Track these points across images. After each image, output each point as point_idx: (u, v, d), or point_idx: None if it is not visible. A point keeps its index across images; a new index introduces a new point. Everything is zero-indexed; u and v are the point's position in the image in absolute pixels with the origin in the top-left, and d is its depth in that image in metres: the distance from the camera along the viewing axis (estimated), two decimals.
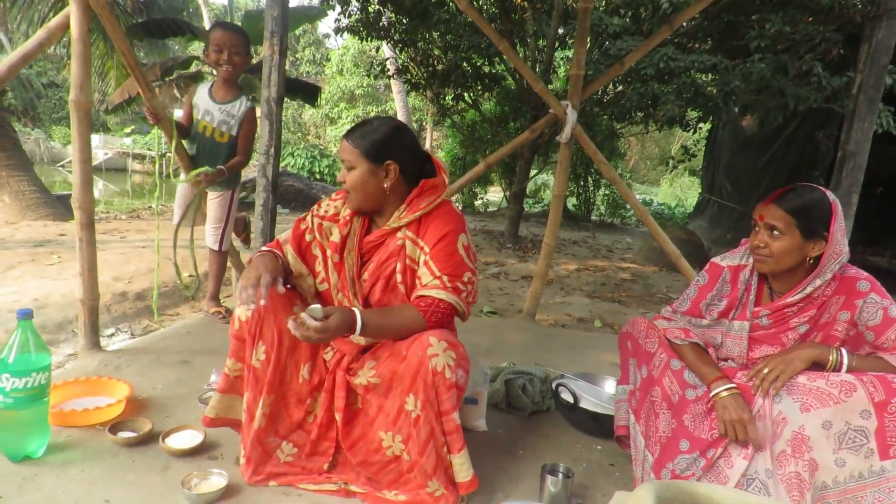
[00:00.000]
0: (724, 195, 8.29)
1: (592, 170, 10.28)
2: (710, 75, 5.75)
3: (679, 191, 17.79)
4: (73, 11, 2.17)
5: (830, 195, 1.61)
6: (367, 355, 1.69)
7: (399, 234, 1.71)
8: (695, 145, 8.85)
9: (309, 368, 1.73)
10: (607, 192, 11.46)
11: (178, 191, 3.04)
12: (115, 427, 1.84)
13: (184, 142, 2.94)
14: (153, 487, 1.61)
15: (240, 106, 2.93)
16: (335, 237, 1.76)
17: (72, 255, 4.62)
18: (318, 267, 1.79)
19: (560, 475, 1.69)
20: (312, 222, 1.81)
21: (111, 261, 4.53)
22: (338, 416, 1.68)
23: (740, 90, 5.03)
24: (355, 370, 1.68)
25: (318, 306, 1.49)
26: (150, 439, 1.82)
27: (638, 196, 15.30)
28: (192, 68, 8.68)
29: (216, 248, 3.11)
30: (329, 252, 1.76)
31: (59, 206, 6.74)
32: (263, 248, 1.78)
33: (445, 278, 1.64)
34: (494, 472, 1.85)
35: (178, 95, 9.33)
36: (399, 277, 1.69)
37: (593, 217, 11.71)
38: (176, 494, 1.57)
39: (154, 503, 1.53)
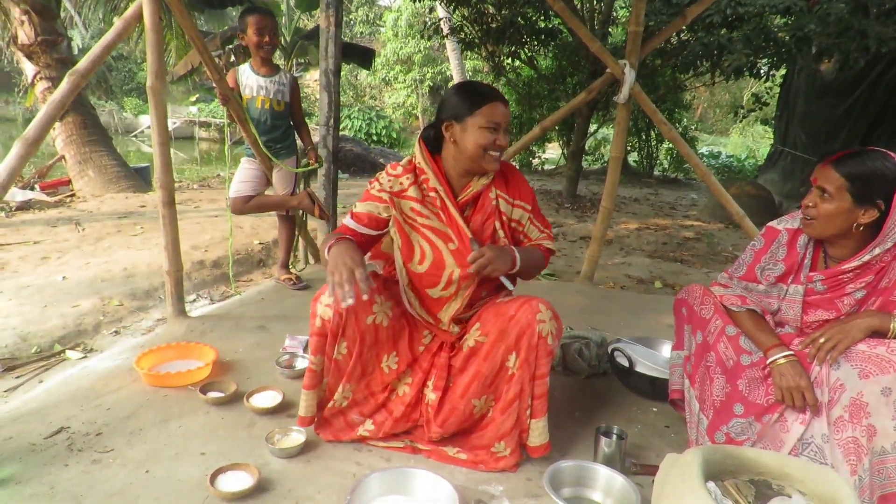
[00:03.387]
0: (799, 146, 7.84)
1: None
2: (782, 18, 5.39)
3: (750, 140, 16.89)
4: (144, 3, 2.31)
5: None
6: (472, 320, 1.79)
7: (491, 195, 1.79)
8: (767, 93, 8.36)
9: (395, 359, 1.78)
10: (671, 146, 11.04)
11: (242, 164, 3.20)
12: (204, 387, 2.05)
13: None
14: (241, 442, 1.80)
15: (284, 76, 3.14)
16: (430, 208, 1.77)
17: (152, 226, 4.96)
18: (419, 244, 1.77)
19: (614, 437, 1.76)
20: (392, 203, 1.76)
21: (188, 230, 4.83)
22: (434, 396, 1.75)
23: (816, 34, 4.71)
24: (460, 336, 1.80)
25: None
26: (235, 399, 2.02)
27: (705, 148, 14.66)
28: None
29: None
30: (432, 220, 1.76)
31: (137, 179, 7.17)
32: (337, 234, 1.73)
33: (548, 232, 1.90)
34: (551, 432, 1.91)
35: (236, 63, 9.61)
36: (501, 234, 1.80)
37: (656, 172, 11.35)
38: (262, 448, 1.75)
39: (243, 456, 1.71)
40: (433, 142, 1.82)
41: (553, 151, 13.09)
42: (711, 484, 1.19)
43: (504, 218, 1.81)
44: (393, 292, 1.83)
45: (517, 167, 10.77)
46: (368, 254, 1.85)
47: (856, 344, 1.56)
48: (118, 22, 2.34)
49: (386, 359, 1.78)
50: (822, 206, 1.60)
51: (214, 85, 2.91)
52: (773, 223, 1.83)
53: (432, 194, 1.77)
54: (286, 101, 3.13)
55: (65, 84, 2.16)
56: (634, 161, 11.50)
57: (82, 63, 2.22)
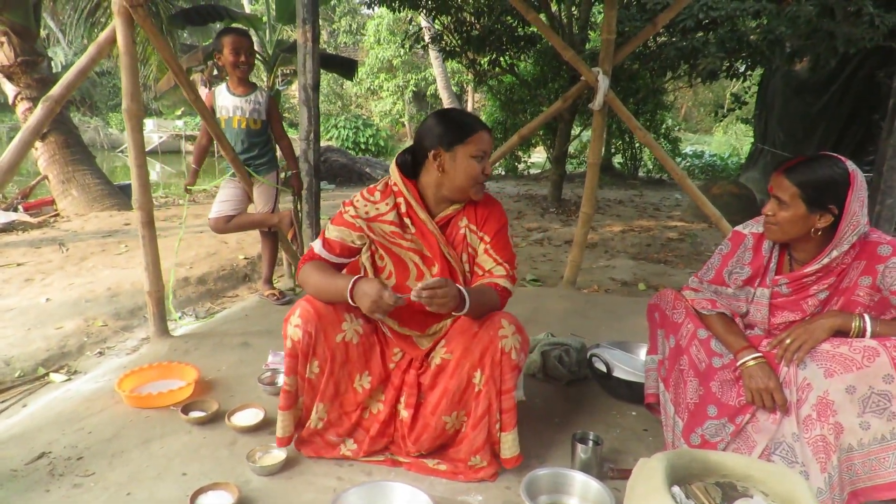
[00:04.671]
0: (778, 144, 7.96)
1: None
2: (754, 21, 5.48)
3: (734, 139, 17.07)
4: (118, 26, 2.33)
5: (850, 166, 1.60)
6: (439, 337, 1.82)
7: (461, 223, 1.79)
8: (745, 92, 8.48)
9: (368, 378, 1.80)
10: None
11: (223, 185, 3.23)
12: (186, 407, 2.06)
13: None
14: (223, 461, 1.81)
15: (260, 94, 3.18)
16: (409, 233, 1.76)
17: (137, 244, 4.92)
18: (411, 261, 1.79)
19: (590, 443, 1.79)
20: (368, 229, 1.76)
21: (173, 247, 4.81)
22: (406, 413, 1.77)
23: (787, 36, 4.80)
24: (426, 357, 1.82)
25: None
26: (217, 418, 2.03)
27: (689, 148, 14.79)
28: None
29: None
30: (413, 243, 1.77)
31: (121, 196, 7.12)
32: (312, 262, 1.76)
33: (507, 266, 1.78)
34: (530, 439, 1.96)
35: (219, 77, 9.60)
36: (467, 267, 1.81)
37: (640, 174, 11.45)
38: (243, 467, 1.77)
39: (225, 475, 1.73)
40: (409, 167, 1.79)
41: (539, 156, 13.17)
42: (676, 488, 1.22)
43: (470, 250, 1.81)
44: None
45: (502, 173, 10.80)
46: (344, 270, 1.86)
47: (820, 344, 1.60)
48: (91, 46, 2.36)
49: (358, 378, 1.79)
50: (780, 213, 1.66)
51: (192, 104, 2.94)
52: (738, 228, 1.88)
53: (407, 220, 1.76)
54: (262, 119, 3.16)
55: (39, 110, 2.18)
56: (619, 163, 11.61)
57: (56, 89, 2.23)
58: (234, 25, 6.22)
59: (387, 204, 1.76)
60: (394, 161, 1.81)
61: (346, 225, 1.76)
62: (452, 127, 1.70)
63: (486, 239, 1.79)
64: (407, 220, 1.76)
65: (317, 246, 1.78)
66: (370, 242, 1.79)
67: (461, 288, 1.58)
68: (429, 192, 1.77)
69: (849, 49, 4.58)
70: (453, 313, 1.63)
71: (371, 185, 1.81)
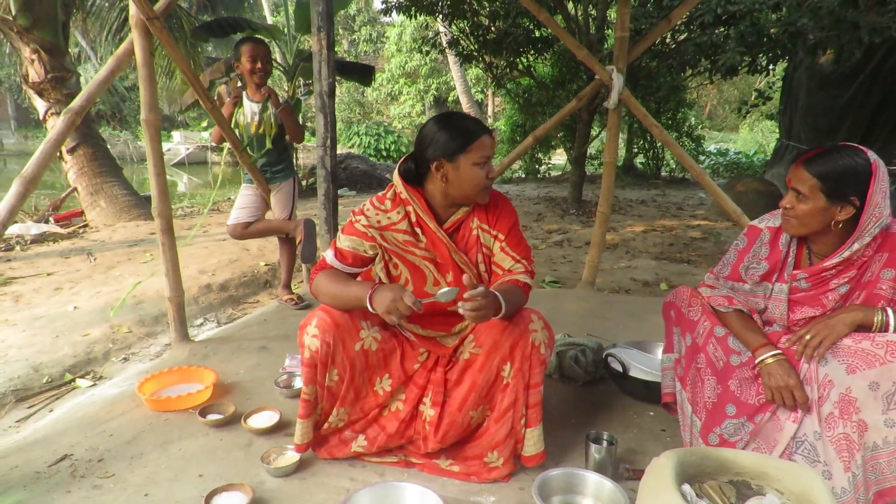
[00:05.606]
0: (803, 139, 7.78)
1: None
2: (774, 14, 5.37)
3: (760, 135, 16.74)
4: (135, 39, 2.39)
5: (872, 156, 1.55)
6: (466, 333, 1.82)
7: (472, 225, 1.79)
8: (769, 87, 8.30)
9: (388, 381, 1.79)
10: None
11: (241, 192, 3.29)
12: (204, 410, 2.09)
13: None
14: (239, 462, 1.84)
15: None
16: (422, 242, 1.76)
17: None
18: (428, 269, 1.79)
19: (604, 443, 1.76)
20: (381, 238, 1.75)
21: (196, 255, 4.91)
22: (433, 412, 1.75)
23: (809, 28, 4.69)
24: (452, 353, 1.82)
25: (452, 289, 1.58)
26: (234, 420, 2.06)
27: (714, 146, 14.56)
28: None
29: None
30: (427, 253, 1.76)
31: (147, 206, 7.27)
32: (324, 271, 1.76)
33: (525, 262, 1.78)
34: (546, 440, 1.92)
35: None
36: (482, 268, 1.80)
37: (663, 173, 11.30)
38: (258, 468, 1.79)
39: (240, 476, 1.75)
40: (413, 174, 1.76)
41: (560, 158, 13.09)
42: (687, 486, 1.19)
43: (485, 250, 1.80)
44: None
45: (522, 176, 10.77)
46: (359, 277, 1.87)
47: (841, 339, 1.56)
48: (111, 59, 2.42)
49: (379, 381, 1.79)
50: (799, 206, 1.61)
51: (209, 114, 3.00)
52: (754, 222, 1.84)
53: (418, 230, 1.75)
54: (279, 124, 3.21)
55: (60, 122, 2.24)
56: (641, 163, 11.47)
57: (77, 101, 2.30)
58: (251, 35, 6.34)
59: (398, 213, 1.75)
60: (396, 171, 1.78)
61: (358, 234, 1.75)
62: (453, 136, 1.65)
63: (501, 237, 1.78)
64: (418, 230, 1.76)
65: (328, 256, 1.78)
66: (383, 252, 1.77)
67: (498, 294, 1.57)
68: (436, 199, 1.76)
69: (874, 39, 4.45)
70: (442, 341, 1.66)
71: (380, 193, 1.80)
